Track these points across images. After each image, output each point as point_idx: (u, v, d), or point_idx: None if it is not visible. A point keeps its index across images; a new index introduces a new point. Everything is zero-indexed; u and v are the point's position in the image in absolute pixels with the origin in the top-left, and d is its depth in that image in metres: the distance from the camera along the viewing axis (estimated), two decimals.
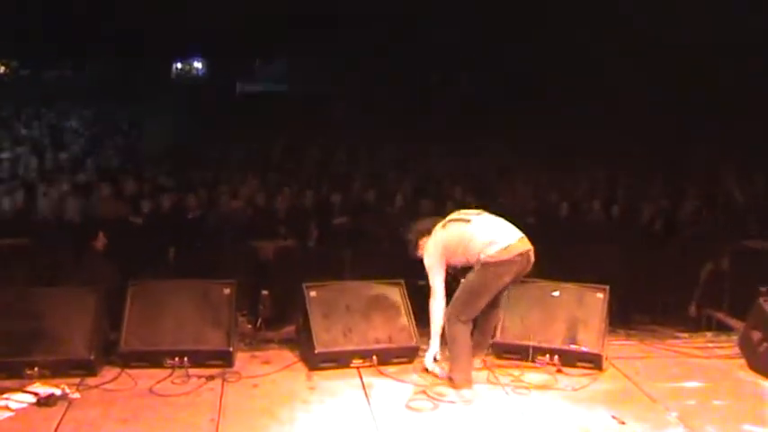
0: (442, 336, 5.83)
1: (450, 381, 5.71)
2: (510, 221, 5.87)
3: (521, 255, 5.65)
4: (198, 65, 35.23)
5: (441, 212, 6.12)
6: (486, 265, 5.61)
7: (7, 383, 5.63)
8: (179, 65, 34.95)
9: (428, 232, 5.92)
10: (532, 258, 5.74)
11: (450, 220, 5.88)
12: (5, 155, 13.82)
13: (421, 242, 5.95)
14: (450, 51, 23.93)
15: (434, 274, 5.83)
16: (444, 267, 5.82)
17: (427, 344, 6.15)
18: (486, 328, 6.06)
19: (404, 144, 16.29)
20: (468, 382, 5.69)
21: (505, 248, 5.60)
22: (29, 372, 5.74)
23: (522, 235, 5.76)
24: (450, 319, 5.73)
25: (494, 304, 5.93)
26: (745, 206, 11.42)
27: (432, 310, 5.85)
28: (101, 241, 8.20)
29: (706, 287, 9.11)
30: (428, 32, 23.09)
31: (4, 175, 12.33)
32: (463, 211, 5.98)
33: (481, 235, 5.67)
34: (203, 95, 26.09)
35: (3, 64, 32.26)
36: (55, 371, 5.79)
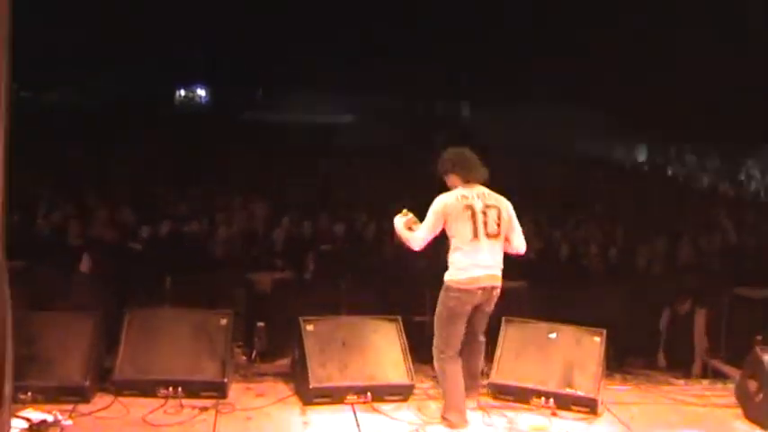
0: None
1: (446, 420, 5.68)
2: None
3: (483, 289, 5.63)
4: (201, 92, 35.37)
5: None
6: (448, 289, 5.62)
7: None
8: (182, 92, 35.10)
9: (451, 182, 5.78)
10: (496, 294, 5.73)
11: (468, 206, 5.62)
12: None
13: (445, 177, 5.84)
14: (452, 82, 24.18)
15: (423, 228, 5.70)
16: (436, 231, 5.67)
17: (423, 381, 6.17)
18: (473, 370, 5.99)
19: (408, 175, 16.29)
20: (464, 422, 5.66)
21: (471, 279, 5.58)
22: (22, 396, 5.70)
23: (497, 272, 5.69)
24: (436, 357, 5.72)
25: (472, 343, 5.87)
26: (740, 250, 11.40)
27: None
28: (86, 263, 8.15)
29: (668, 334, 9.07)
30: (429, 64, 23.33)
31: None
32: (484, 206, 5.66)
33: (464, 251, 5.59)
34: (206, 123, 26.18)
35: None
36: (48, 396, 5.77)
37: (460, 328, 5.70)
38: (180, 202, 12.83)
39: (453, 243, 5.65)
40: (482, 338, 5.99)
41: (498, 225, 5.68)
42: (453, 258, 5.65)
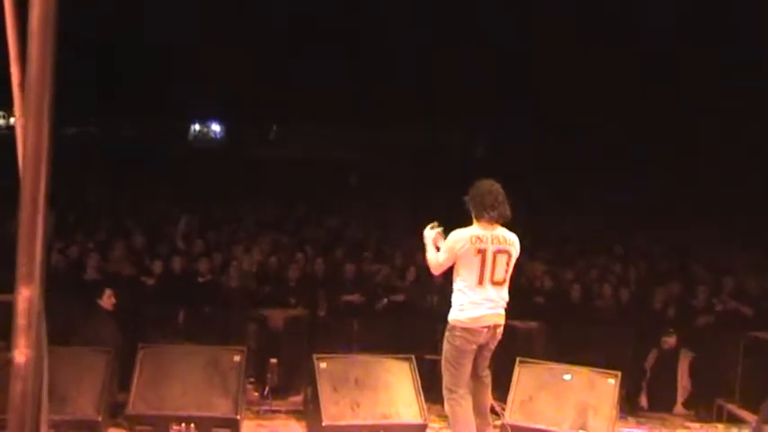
0: None
1: None
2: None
3: (487, 327, 5.57)
4: (216, 127, 35.66)
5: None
6: (452, 329, 5.56)
7: None
8: (197, 127, 35.40)
9: (475, 214, 5.66)
10: (500, 332, 5.67)
11: (480, 250, 5.50)
12: None
13: (471, 209, 5.71)
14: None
15: (442, 255, 5.60)
16: (450, 261, 5.56)
17: (435, 420, 6.16)
18: (481, 407, 5.91)
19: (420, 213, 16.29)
20: None
21: (475, 318, 5.51)
22: None
23: (501, 311, 5.63)
24: (447, 397, 5.64)
25: (475, 381, 5.81)
26: (757, 296, 11.31)
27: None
28: (108, 300, 8.19)
29: (653, 373, 9.02)
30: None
31: None
32: (496, 250, 5.55)
33: (468, 293, 5.53)
34: (220, 158, 26.35)
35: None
36: (62, 430, 5.75)
37: (468, 367, 5.64)
38: (193, 237, 12.86)
39: (458, 283, 5.57)
40: (486, 373, 5.89)
41: (506, 271, 5.62)
42: (457, 299, 5.58)
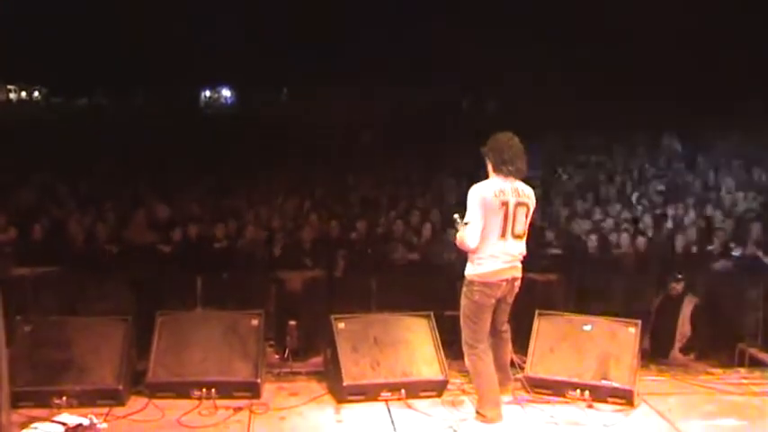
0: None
1: (480, 416, 5.61)
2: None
3: (506, 281, 5.55)
4: (226, 93, 35.53)
5: None
6: (470, 284, 5.53)
7: (35, 412, 5.65)
8: (207, 93, 35.28)
9: (492, 167, 5.58)
10: (518, 285, 5.66)
11: (504, 203, 5.44)
12: None
13: (487, 162, 5.64)
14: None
15: (473, 216, 5.44)
16: (483, 220, 5.42)
17: (457, 377, 6.21)
18: (502, 361, 5.91)
19: (434, 173, 16.20)
20: (500, 416, 5.59)
21: (494, 272, 5.49)
22: (57, 401, 5.75)
23: (518, 263, 5.60)
24: (467, 353, 5.63)
25: (495, 336, 5.79)
26: None
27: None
28: None
29: (657, 317, 9.02)
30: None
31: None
32: (516, 203, 5.49)
33: (487, 246, 5.46)
34: (231, 123, 26.28)
35: (36, 89, 32.74)
36: (83, 400, 5.80)
37: (488, 322, 5.63)
38: (207, 202, 12.86)
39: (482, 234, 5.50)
40: (505, 328, 5.89)
41: (524, 225, 5.60)
42: (476, 251, 5.51)
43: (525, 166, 5.60)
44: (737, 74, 20.76)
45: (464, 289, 5.59)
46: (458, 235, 5.57)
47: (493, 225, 5.45)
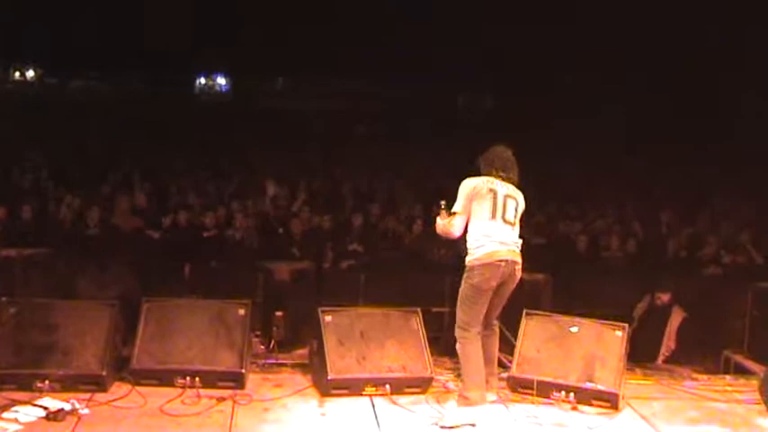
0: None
1: (463, 398, 5.61)
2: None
3: (505, 261, 5.65)
4: (221, 81, 35.38)
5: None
6: (471, 269, 5.64)
7: (17, 396, 5.61)
8: (202, 80, 35.11)
9: (485, 169, 5.83)
10: (518, 270, 5.76)
11: (492, 189, 5.71)
12: None
13: (481, 168, 5.87)
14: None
15: (458, 204, 5.71)
16: (468, 211, 5.69)
17: (442, 374, 6.20)
18: (489, 357, 5.94)
19: (428, 167, 16.19)
20: (483, 398, 5.63)
21: (492, 253, 5.61)
22: (39, 385, 5.71)
23: (516, 249, 5.76)
24: (459, 336, 5.68)
25: (486, 329, 5.83)
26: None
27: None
28: None
29: (640, 324, 9.00)
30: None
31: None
32: (506, 194, 5.76)
33: (482, 229, 5.65)
34: (226, 111, 26.18)
35: (33, 69, 32.54)
36: (65, 385, 5.77)
37: (484, 307, 5.69)
38: (198, 190, 12.82)
39: (471, 223, 5.69)
40: (495, 323, 5.98)
41: (515, 216, 5.79)
42: (471, 237, 5.68)
43: (516, 177, 5.88)
44: None
45: (465, 275, 5.70)
46: (440, 222, 5.80)
47: (482, 209, 5.68)
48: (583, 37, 20.24)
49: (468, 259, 5.69)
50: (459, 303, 5.73)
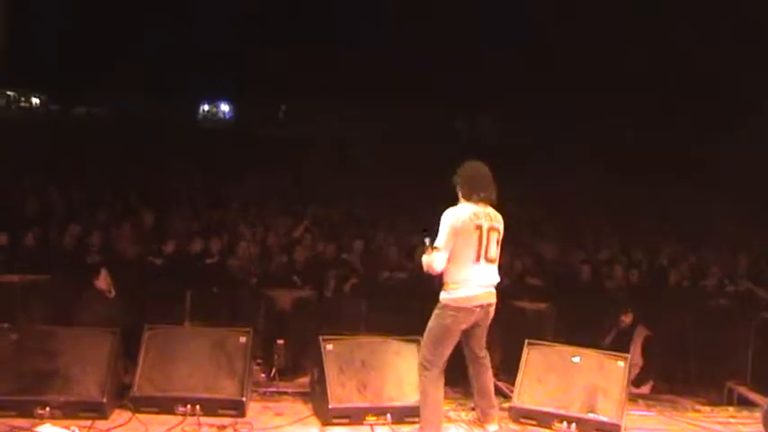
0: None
1: None
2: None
3: (481, 306, 5.61)
4: (224, 107, 35.57)
5: None
6: (444, 307, 5.57)
7: (18, 422, 5.60)
8: (206, 107, 35.31)
9: (463, 194, 5.70)
10: (492, 310, 5.71)
11: (478, 226, 5.56)
12: None
13: (458, 190, 5.74)
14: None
15: (442, 239, 5.52)
16: (451, 243, 5.50)
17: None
18: (484, 388, 5.92)
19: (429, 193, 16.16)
20: None
21: (469, 297, 5.55)
22: (40, 411, 5.70)
23: (493, 289, 5.69)
24: (420, 374, 5.67)
25: (474, 361, 5.83)
26: None
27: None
28: (103, 280, 8.15)
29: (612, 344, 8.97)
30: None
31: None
32: (489, 228, 5.62)
33: (462, 270, 5.54)
34: (229, 137, 26.27)
35: (36, 96, 32.73)
36: (66, 412, 5.75)
37: (449, 348, 5.64)
38: (200, 217, 12.82)
39: (454, 262, 5.55)
40: (484, 354, 5.90)
41: (496, 249, 5.70)
42: (450, 276, 5.56)
43: (494, 194, 5.73)
44: None
45: (436, 311, 5.63)
46: (424, 258, 5.64)
47: (467, 249, 5.54)
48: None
49: (443, 296, 5.59)
50: (425, 340, 5.67)
